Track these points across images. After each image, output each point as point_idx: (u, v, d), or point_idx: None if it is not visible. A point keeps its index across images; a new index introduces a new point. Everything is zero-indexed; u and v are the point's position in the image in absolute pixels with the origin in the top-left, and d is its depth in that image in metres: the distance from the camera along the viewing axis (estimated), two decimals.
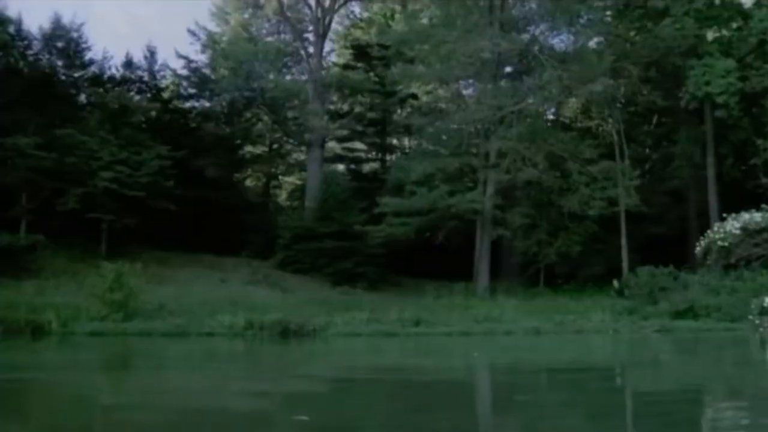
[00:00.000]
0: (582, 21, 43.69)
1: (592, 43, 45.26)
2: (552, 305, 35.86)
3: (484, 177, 42.49)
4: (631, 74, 43.47)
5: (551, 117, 51.63)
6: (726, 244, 34.98)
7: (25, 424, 11.75)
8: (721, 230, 35.10)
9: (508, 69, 46.75)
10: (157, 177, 40.28)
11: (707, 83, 39.53)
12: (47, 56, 46.52)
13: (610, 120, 46.90)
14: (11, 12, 43.14)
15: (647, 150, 52.69)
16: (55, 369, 19.92)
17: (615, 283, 38.68)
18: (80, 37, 47.17)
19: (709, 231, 36.40)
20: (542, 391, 16.16)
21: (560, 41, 45.49)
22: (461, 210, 40.60)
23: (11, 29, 42.55)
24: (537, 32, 44.84)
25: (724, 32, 40.63)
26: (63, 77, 47.06)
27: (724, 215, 35.75)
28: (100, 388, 16.60)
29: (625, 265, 41.60)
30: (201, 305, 31.68)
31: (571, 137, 44.33)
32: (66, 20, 46.73)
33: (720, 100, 39.43)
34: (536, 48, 43.03)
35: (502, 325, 31.57)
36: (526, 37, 44.23)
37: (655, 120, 50.33)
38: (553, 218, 42.96)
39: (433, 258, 43.95)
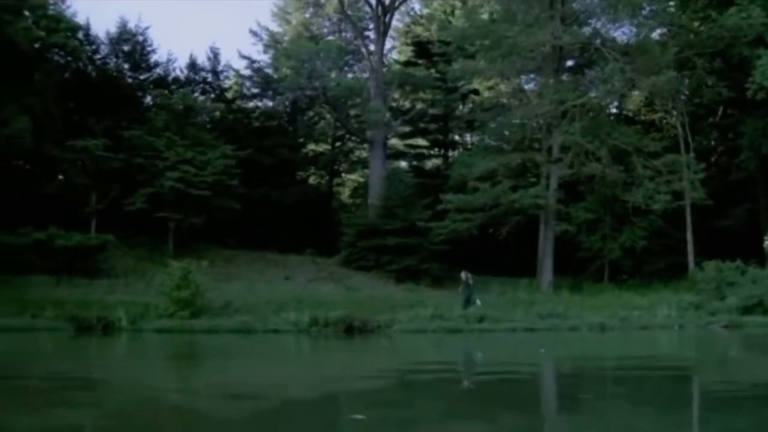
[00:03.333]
0: (644, 12, 43.04)
1: (656, 35, 44.63)
2: (617, 301, 35.44)
3: (547, 172, 42.20)
4: (696, 65, 42.86)
5: (614, 110, 51.08)
6: None
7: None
8: None
9: (569, 63, 46.51)
10: (222, 176, 40.85)
11: None
12: (114, 60, 47.62)
13: (675, 112, 46.28)
14: (80, 18, 44.25)
15: (713, 142, 51.86)
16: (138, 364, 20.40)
17: (463, 274, 36.66)
18: (145, 40, 48.22)
19: None
20: (610, 388, 16.09)
21: (622, 33, 44.94)
22: (524, 205, 40.44)
23: (80, 35, 43.51)
24: (599, 25, 44.33)
25: None
26: (129, 80, 48.12)
27: None
28: (177, 382, 16.97)
29: (691, 259, 41.10)
30: (266, 302, 32.15)
31: (634, 131, 43.81)
32: (131, 24, 47.78)
33: None
34: (598, 41, 42.63)
35: (566, 320, 31.41)
36: (587, 30, 43.85)
37: (720, 111, 49.44)
38: (617, 213, 42.53)
39: (496, 254, 43.84)
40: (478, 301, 33.65)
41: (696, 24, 45.05)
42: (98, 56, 47.46)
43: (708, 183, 41.86)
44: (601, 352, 24.84)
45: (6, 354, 23.22)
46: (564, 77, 44.62)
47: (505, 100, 49.14)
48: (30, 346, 25.53)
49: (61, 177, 42.16)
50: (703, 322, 31.70)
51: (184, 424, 11.86)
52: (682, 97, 46.18)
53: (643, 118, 52.72)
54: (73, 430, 11.44)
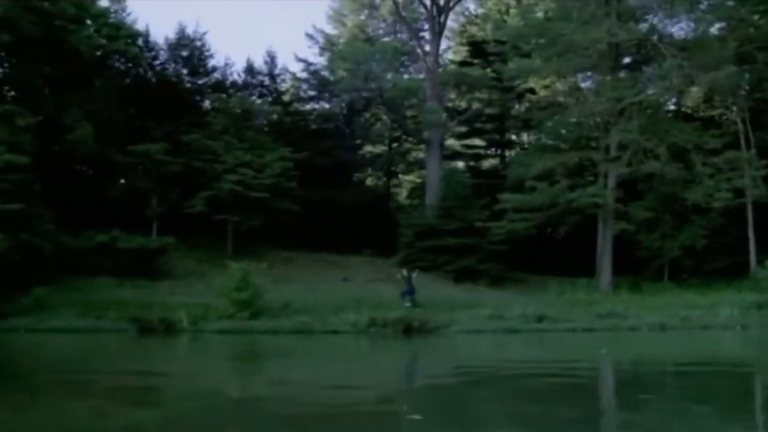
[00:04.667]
0: (702, 6, 42.50)
1: (714, 29, 44.00)
2: (677, 300, 35.11)
3: (604, 170, 41.94)
4: (756, 59, 42.21)
5: (672, 107, 50.47)
6: None
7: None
8: None
9: (626, 60, 46.03)
10: (279, 178, 41.22)
11: None
12: (173, 65, 48.35)
13: (735, 108, 45.58)
14: (139, 25, 45.09)
15: None
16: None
17: (403, 272, 36.57)
18: (203, 45, 48.82)
19: None
20: (672, 389, 15.98)
21: (680, 29, 44.38)
22: (582, 205, 40.22)
23: (140, 42, 44.29)
24: (655, 20, 43.87)
25: None
26: (188, 85, 48.80)
27: None
28: (242, 380, 17.26)
29: (752, 257, 40.47)
30: (325, 303, 32.40)
31: (693, 127, 43.16)
32: (190, 30, 48.49)
33: None
34: (655, 37, 42.19)
35: (626, 320, 31.21)
36: (644, 26, 43.41)
37: None
38: (676, 211, 42.01)
39: (554, 253, 43.62)
40: (408, 304, 33.86)
41: (756, 17, 44.33)
42: (158, 62, 48.20)
43: None
44: (662, 352, 24.66)
45: (76, 354, 23.87)
46: (621, 74, 44.24)
47: (561, 99, 48.86)
48: (97, 347, 26.13)
49: (122, 181, 42.97)
50: (767, 321, 31.21)
51: (246, 421, 12.10)
52: (743, 92, 45.44)
53: (702, 114, 51.97)
54: (143, 426, 11.78)
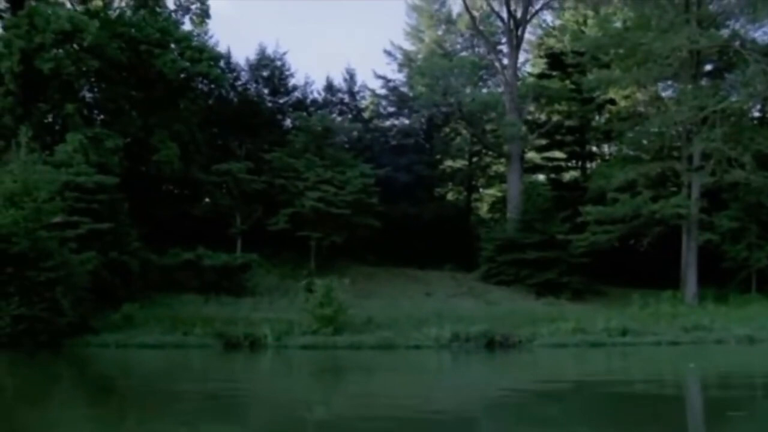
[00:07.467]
0: None
1: None
2: (766, 312, 34.26)
3: (688, 181, 41.32)
4: None
5: (757, 114, 49.43)
6: None
7: None
8: None
9: (708, 67, 45.29)
10: (361, 195, 41.64)
11: None
12: (254, 85, 49.32)
13: None
14: (221, 47, 46.10)
15: None
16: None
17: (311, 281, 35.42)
18: (283, 65, 49.65)
19: None
20: (763, 405, 15.74)
21: (763, 33, 43.49)
22: (665, 216, 39.63)
23: (222, 63, 45.25)
24: (737, 26, 43.08)
25: None
26: (269, 104, 49.69)
27: None
28: (333, 396, 17.55)
29: None
30: (407, 318, 32.55)
31: None
32: (270, 50, 49.37)
33: None
34: (737, 43, 41.44)
35: (712, 333, 30.65)
36: (725, 32, 42.69)
37: None
38: (763, 221, 41.13)
39: (638, 265, 43.08)
40: None
41: None
42: (239, 83, 49.23)
43: None
44: (751, 366, 24.22)
45: (164, 369, 24.52)
46: (703, 82, 43.55)
47: (642, 109, 48.30)
48: (184, 362, 26.78)
49: (207, 199, 43.94)
50: None
51: None
52: None
53: None
54: None
